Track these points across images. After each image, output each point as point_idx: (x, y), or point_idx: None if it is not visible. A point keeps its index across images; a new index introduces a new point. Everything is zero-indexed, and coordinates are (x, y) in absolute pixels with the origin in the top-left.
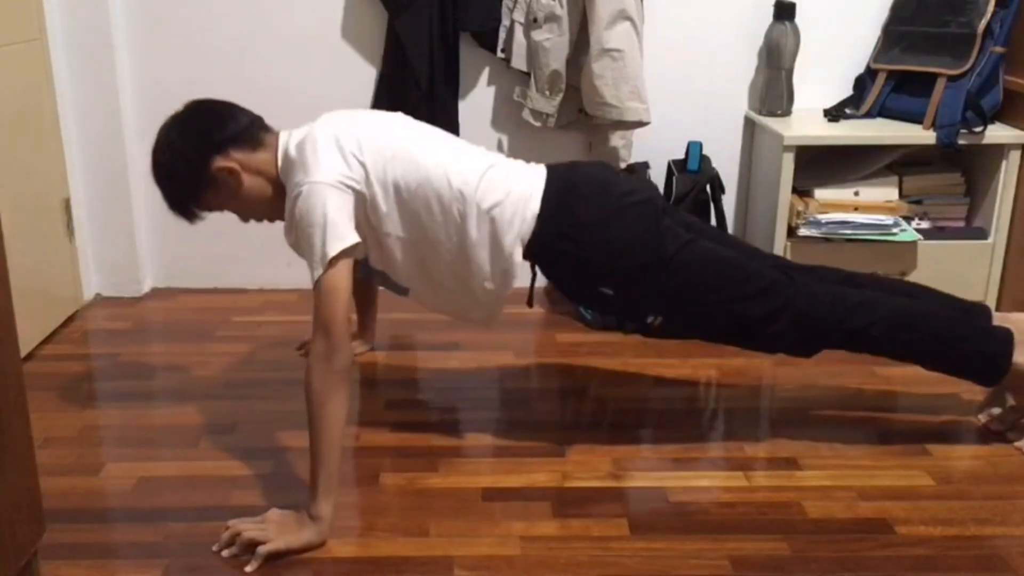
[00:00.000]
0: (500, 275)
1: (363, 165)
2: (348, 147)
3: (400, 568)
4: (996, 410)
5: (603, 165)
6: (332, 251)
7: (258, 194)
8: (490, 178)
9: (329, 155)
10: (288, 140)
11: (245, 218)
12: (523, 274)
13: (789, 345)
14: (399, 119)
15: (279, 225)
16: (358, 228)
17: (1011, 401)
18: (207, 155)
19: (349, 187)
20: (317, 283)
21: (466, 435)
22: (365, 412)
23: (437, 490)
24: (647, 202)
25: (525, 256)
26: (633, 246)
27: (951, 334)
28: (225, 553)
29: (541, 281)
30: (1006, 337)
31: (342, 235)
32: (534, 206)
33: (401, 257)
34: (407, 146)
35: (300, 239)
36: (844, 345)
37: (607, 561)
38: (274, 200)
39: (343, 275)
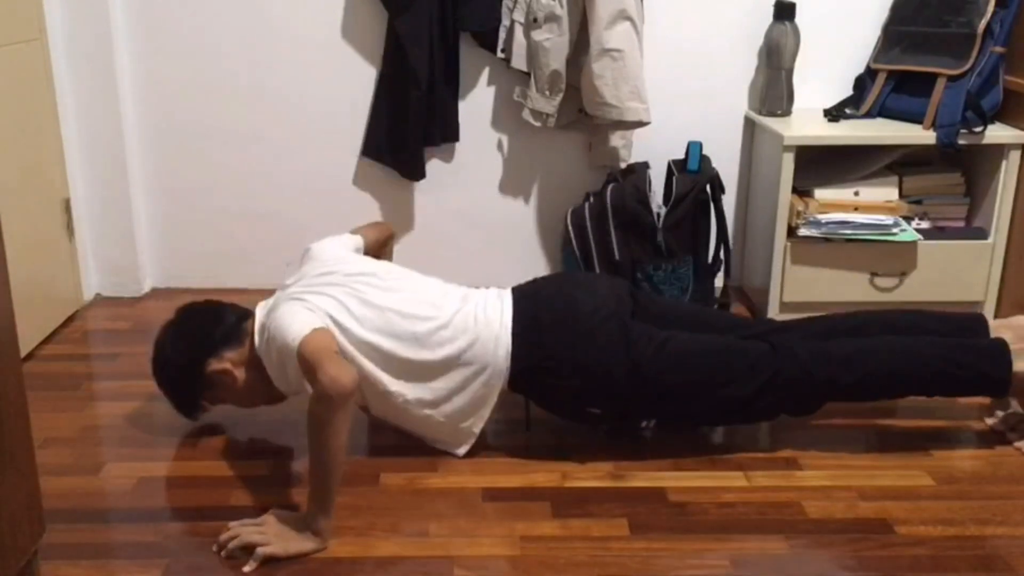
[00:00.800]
0: (474, 416)
1: (330, 319)
2: (316, 311)
3: (400, 568)
4: (999, 413)
5: (562, 282)
6: (306, 330)
7: (254, 384)
8: (459, 323)
9: (301, 312)
10: (260, 315)
11: (248, 407)
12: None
13: (787, 411)
14: (369, 271)
15: (279, 225)
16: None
17: (1014, 406)
18: (201, 362)
19: (322, 320)
20: (298, 355)
21: None
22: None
23: (437, 490)
24: (612, 317)
25: (510, 387)
26: (607, 367)
27: (947, 364)
28: (224, 554)
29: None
30: (1002, 350)
31: (312, 322)
32: (505, 344)
33: (371, 396)
34: (375, 302)
35: (279, 351)
36: (844, 399)
37: (607, 561)
38: (270, 383)
39: (322, 333)
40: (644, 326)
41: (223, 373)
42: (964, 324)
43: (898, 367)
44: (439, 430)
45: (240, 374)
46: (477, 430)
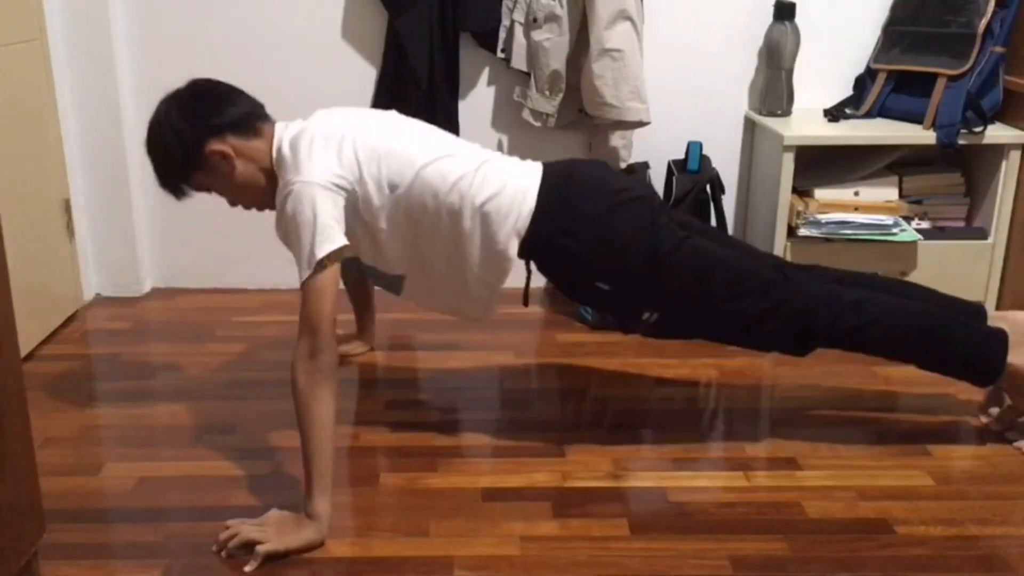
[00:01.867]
0: (494, 269)
1: (356, 162)
2: (342, 144)
3: (400, 568)
4: (995, 410)
5: (600, 163)
6: (320, 253)
7: (249, 181)
8: (485, 173)
9: (322, 153)
10: (283, 133)
11: (233, 203)
12: (518, 273)
13: (783, 343)
14: (393, 116)
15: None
16: (351, 224)
17: (1008, 401)
18: (203, 136)
19: (340, 187)
20: (305, 284)
21: (466, 435)
22: (365, 412)
23: (437, 490)
24: (643, 199)
25: (521, 254)
26: (629, 242)
27: (945, 335)
28: (224, 553)
29: (536, 280)
30: (1001, 338)
31: (331, 237)
32: (530, 202)
33: (395, 252)
34: (401, 142)
35: (289, 237)
36: (839, 344)
37: (607, 561)
38: (265, 190)
39: (331, 277)
40: (672, 220)
41: (223, 156)
42: (966, 309)
43: (899, 326)
44: (462, 290)
45: (239, 165)
46: (498, 289)
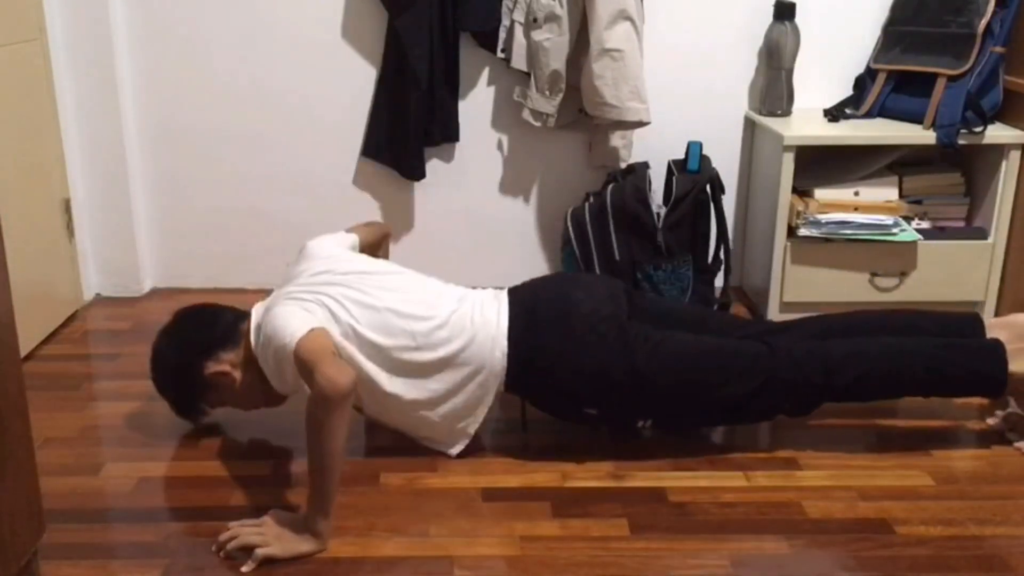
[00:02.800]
0: (471, 415)
1: (328, 324)
2: (314, 311)
3: (400, 568)
4: (999, 412)
5: (560, 282)
6: (301, 332)
7: (253, 385)
8: (455, 323)
9: (297, 313)
10: (257, 314)
11: (248, 409)
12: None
13: (784, 411)
14: (366, 270)
15: (279, 225)
16: None
17: (1012, 406)
18: (199, 364)
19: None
20: (294, 356)
21: None
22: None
23: (437, 490)
24: (610, 318)
25: (507, 389)
26: (605, 368)
27: (943, 365)
28: (223, 554)
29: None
30: (998, 350)
31: (309, 323)
32: (501, 345)
33: (366, 393)
34: (372, 304)
35: (275, 353)
36: (840, 400)
37: (607, 561)
38: (269, 385)
39: (318, 334)
40: (641, 327)
41: (221, 375)
42: (960, 324)
43: (894, 368)
44: (434, 430)
45: (238, 375)
46: (472, 430)
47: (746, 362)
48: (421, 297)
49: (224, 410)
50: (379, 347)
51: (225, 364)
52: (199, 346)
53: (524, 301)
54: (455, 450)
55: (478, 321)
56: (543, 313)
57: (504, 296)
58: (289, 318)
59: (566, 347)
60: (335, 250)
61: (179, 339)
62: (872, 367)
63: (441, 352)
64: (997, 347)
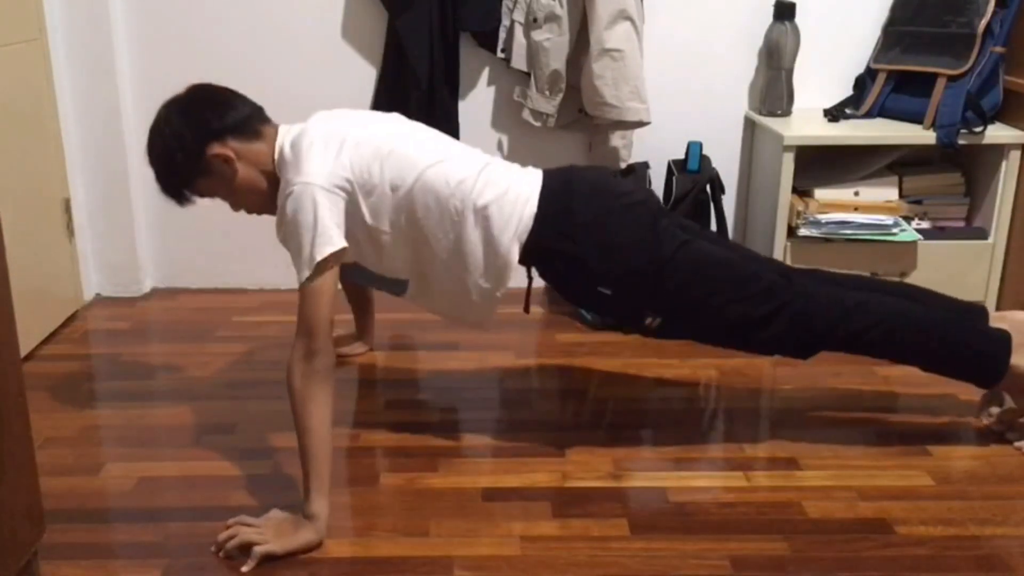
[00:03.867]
0: (495, 274)
1: (358, 164)
2: (343, 146)
3: (400, 568)
4: (995, 410)
5: (600, 168)
6: (320, 255)
7: (251, 185)
8: (487, 176)
9: (323, 155)
10: (286, 135)
11: (236, 207)
12: (519, 277)
13: (786, 347)
14: (395, 119)
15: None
16: (352, 227)
17: (1009, 402)
18: (204, 141)
19: (341, 188)
20: (303, 286)
21: (466, 435)
22: (365, 412)
23: (437, 490)
24: (644, 203)
25: (522, 259)
26: (630, 246)
27: (949, 336)
28: (222, 554)
29: (536, 281)
30: (1004, 339)
31: (331, 239)
32: (532, 206)
33: (396, 256)
34: (403, 144)
35: (289, 239)
36: (842, 347)
37: (607, 561)
38: (267, 193)
39: (329, 279)
40: (673, 223)
41: (225, 160)
42: (968, 311)
43: (903, 326)
44: (463, 296)
45: (241, 169)
46: (499, 294)
47: (764, 285)
48: (452, 152)
49: (224, 407)
50: (418, 200)
51: (231, 151)
52: (209, 123)
53: (560, 173)
54: (487, 318)
55: (510, 177)
56: (578, 183)
57: (539, 170)
58: (318, 204)
59: (596, 220)
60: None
61: (190, 110)
62: (880, 321)
63: (474, 202)
64: (1004, 336)
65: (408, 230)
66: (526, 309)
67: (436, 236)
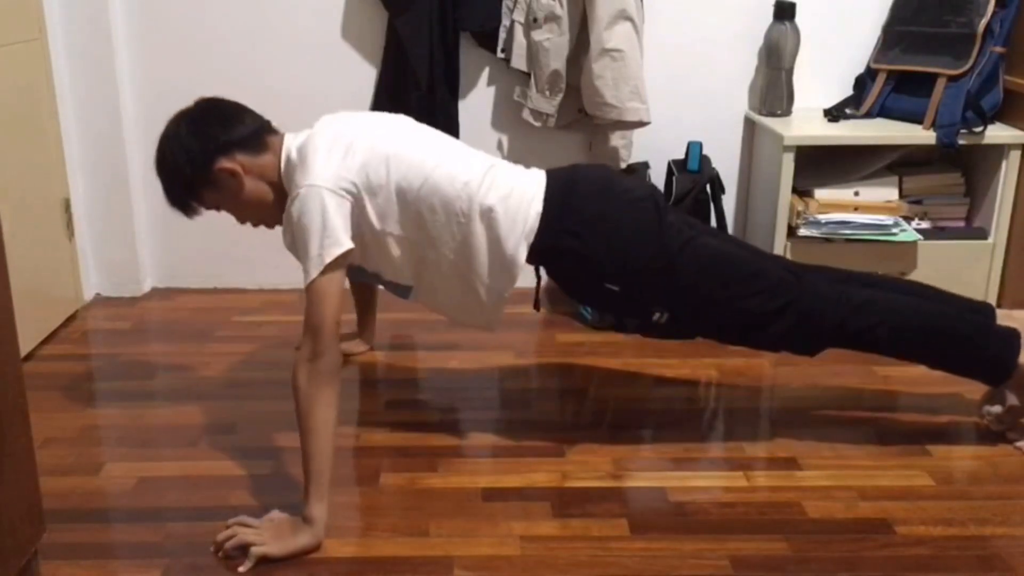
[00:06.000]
0: (503, 274)
1: (364, 166)
2: (349, 148)
3: (400, 568)
4: (996, 409)
5: (603, 167)
6: (328, 256)
7: (258, 198)
8: (492, 177)
9: (329, 158)
10: (291, 143)
11: (242, 220)
12: (526, 277)
13: (794, 343)
14: (400, 120)
15: (279, 227)
16: (358, 230)
17: (1012, 400)
18: (212, 154)
19: (347, 191)
20: (310, 286)
21: (466, 435)
22: (365, 412)
23: (437, 490)
24: (649, 198)
25: (530, 259)
26: (637, 241)
27: (958, 334)
28: (221, 554)
29: (546, 281)
30: (1014, 336)
31: (338, 241)
32: (537, 205)
33: (403, 257)
34: (408, 146)
35: (296, 241)
36: (849, 344)
37: (607, 561)
38: (274, 205)
39: (336, 280)
40: (679, 219)
41: (231, 174)
42: (975, 308)
43: (911, 323)
44: (470, 296)
45: (248, 182)
46: (507, 294)
47: (772, 282)
48: (458, 154)
49: (224, 407)
50: (423, 200)
51: (237, 164)
52: (217, 137)
53: (564, 173)
54: (494, 318)
55: (515, 177)
56: (583, 185)
57: (543, 171)
58: (325, 206)
59: (601, 217)
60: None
61: (198, 124)
62: (888, 318)
63: (480, 202)
64: (1013, 334)
65: (414, 232)
66: (536, 307)
67: (443, 238)
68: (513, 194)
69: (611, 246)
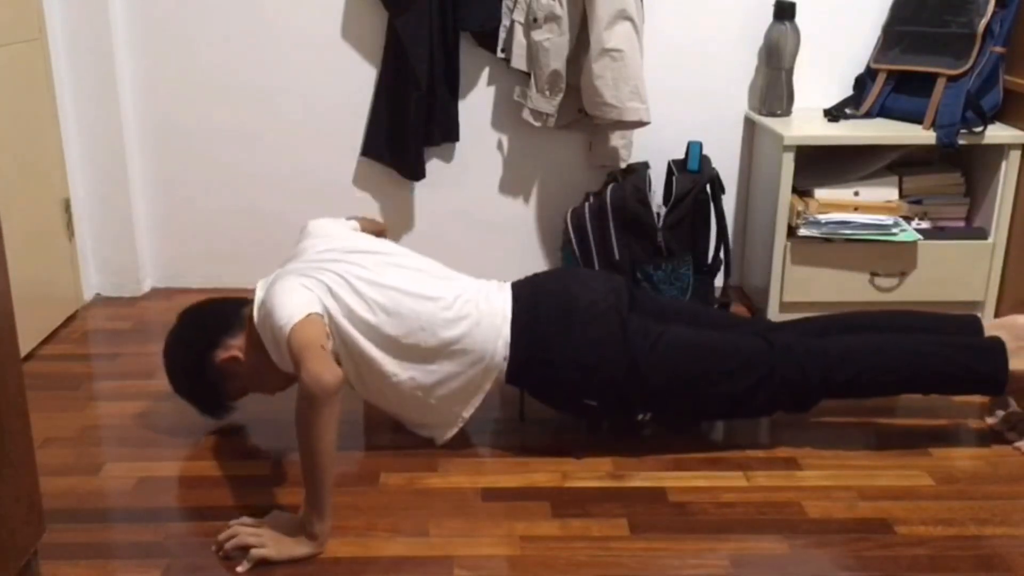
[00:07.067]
0: (465, 398)
1: (331, 300)
2: (315, 284)
3: (400, 568)
4: (1000, 412)
5: (562, 276)
6: (299, 314)
7: (264, 365)
8: (458, 309)
9: (294, 293)
10: (259, 291)
11: (272, 391)
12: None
13: (782, 407)
14: (365, 244)
15: (278, 225)
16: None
17: (1013, 405)
18: (205, 356)
19: (318, 313)
20: (288, 341)
21: (466, 435)
22: (365, 412)
23: (437, 490)
24: (611, 310)
25: (508, 380)
26: (604, 359)
27: (942, 362)
28: (221, 554)
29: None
30: (998, 348)
31: (309, 303)
32: (504, 336)
33: (364, 375)
34: (375, 276)
35: (273, 330)
36: (838, 396)
37: (607, 561)
38: (277, 364)
39: (313, 322)
40: (642, 320)
41: (230, 360)
42: (959, 325)
43: (893, 364)
44: (427, 414)
45: (248, 358)
46: (467, 415)
47: (745, 357)
48: (427, 278)
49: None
50: (381, 328)
51: (233, 350)
52: (204, 339)
53: (527, 295)
54: (446, 436)
55: (483, 308)
56: (545, 307)
57: (507, 288)
58: (288, 295)
59: (567, 340)
60: (338, 229)
61: (184, 337)
62: (871, 363)
63: (445, 335)
64: (998, 345)
65: (375, 364)
66: (521, 418)
67: (405, 368)
68: (480, 325)
69: (582, 369)
